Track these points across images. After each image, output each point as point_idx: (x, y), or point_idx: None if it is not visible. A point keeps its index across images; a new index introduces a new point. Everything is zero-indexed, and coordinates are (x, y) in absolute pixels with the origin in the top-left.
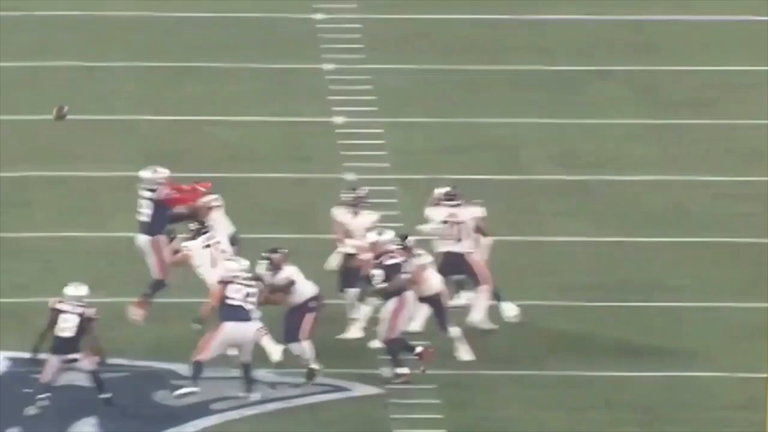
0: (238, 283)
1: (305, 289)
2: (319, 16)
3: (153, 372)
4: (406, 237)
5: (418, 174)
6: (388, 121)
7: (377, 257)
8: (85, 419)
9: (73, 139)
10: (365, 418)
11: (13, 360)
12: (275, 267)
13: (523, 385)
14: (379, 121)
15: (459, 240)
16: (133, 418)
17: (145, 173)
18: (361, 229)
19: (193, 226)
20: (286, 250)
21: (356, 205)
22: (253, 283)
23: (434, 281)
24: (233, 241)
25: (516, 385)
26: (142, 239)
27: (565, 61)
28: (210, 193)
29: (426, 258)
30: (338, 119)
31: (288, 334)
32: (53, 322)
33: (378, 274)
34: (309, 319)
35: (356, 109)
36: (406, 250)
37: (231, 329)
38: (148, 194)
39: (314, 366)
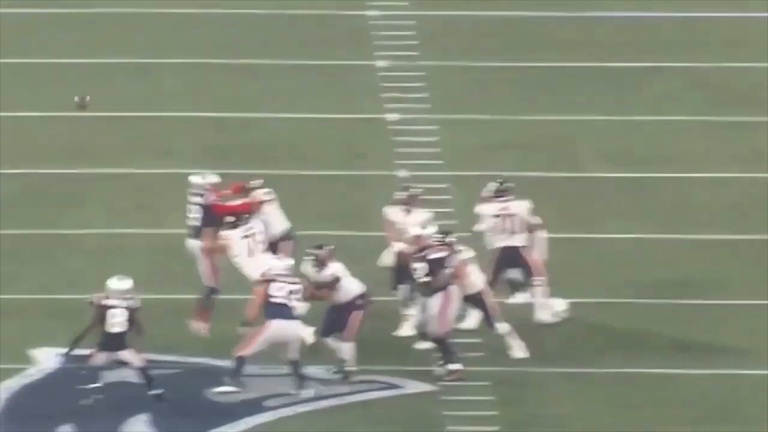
0: (281, 281)
1: (351, 286)
2: (372, 12)
3: (206, 369)
4: (448, 233)
5: (472, 171)
6: (442, 117)
7: (420, 251)
8: (138, 416)
9: (128, 136)
10: (418, 415)
11: (66, 356)
12: (321, 263)
13: (576, 383)
14: (432, 118)
15: (513, 233)
16: (185, 415)
17: (194, 178)
18: (415, 228)
19: (230, 218)
20: (332, 247)
21: (409, 203)
22: (296, 279)
23: (476, 279)
24: (288, 236)
25: (569, 383)
26: (193, 244)
27: (620, 58)
28: (261, 187)
29: (468, 253)
30: (392, 116)
31: (326, 329)
32: (101, 318)
33: (421, 267)
34: (356, 317)
35: (410, 106)
36: (448, 245)
37: (276, 327)
38: (197, 199)
39: (352, 368)
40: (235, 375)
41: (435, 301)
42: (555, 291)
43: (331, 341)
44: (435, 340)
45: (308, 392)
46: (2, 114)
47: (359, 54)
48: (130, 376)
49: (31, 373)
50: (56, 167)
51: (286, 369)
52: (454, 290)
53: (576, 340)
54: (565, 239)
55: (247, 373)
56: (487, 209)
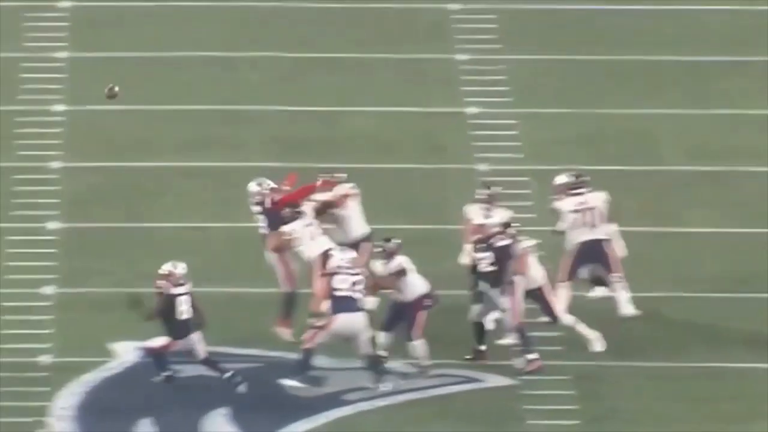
0: (344, 273)
1: (417, 284)
2: (454, 6)
3: (286, 363)
4: (510, 224)
5: (552, 165)
6: (522, 111)
7: (486, 239)
8: (218, 410)
9: (208, 130)
10: (497, 409)
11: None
12: (388, 256)
13: (655, 377)
14: (512, 112)
15: (593, 226)
16: (265, 409)
17: (252, 186)
18: (478, 217)
19: (288, 211)
20: (399, 241)
21: (490, 203)
22: (358, 270)
23: (537, 273)
24: (368, 238)
25: (647, 377)
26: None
27: (700, 52)
28: (345, 182)
29: (529, 242)
30: (472, 110)
31: (388, 325)
32: (170, 307)
33: (487, 256)
34: (422, 316)
35: (490, 100)
36: (511, 235)
37: (342, 321)
38: (257, 208)
39: (428, 363)
40: (302, 368)
41: (504, 295)
42: (633, 285)
43: (386, 337)
44: (512, 330)
45: (386, 386)
46: (83, 108)
47: (440, 48)
48: (210, 370)
49: (111, 367)
50: (136, 161)
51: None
52: (519, 280)
53: (655, 335)
54: (643, 233)
55: (326, 366)
56: (565, 205)
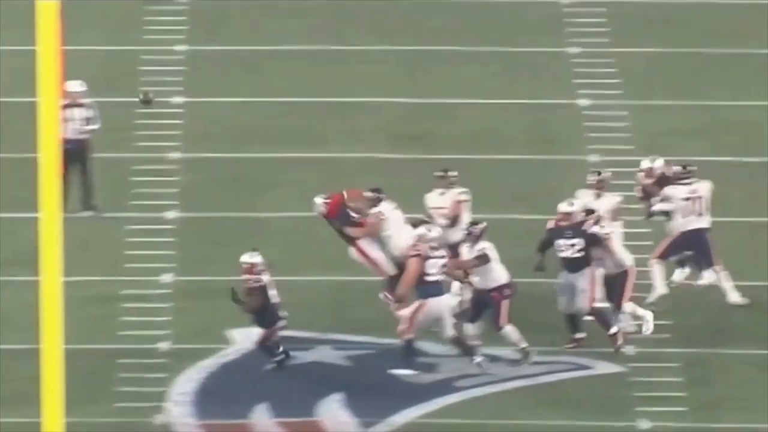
0: (435, 257)
1: (499, 272)
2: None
3: (398, 349)
4: (593, 211)
5: (662, 156)
6: (633, 103)
7: (573, 226)
8: (332, 396)
9: (323, 121)
10: (607, 396)
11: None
12: (474, 239)
13: (764, 365)
14: (623, 104)
15: (699, 215)
16: (377, 395)
17: (317, 201)
18: (605, 212)
19: (369, 193)
20: (485, 224)
21: (600, 188)
22: (444, 253)
23: (625, 257)
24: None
25: (757, 365)
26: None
27: None
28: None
29: (613, 228)
30: (583, 102)
31: (474, 315)
32: (266, 297)
33: (576, 242)
34: (505, 305)
35: (601, 92)
36: (596, 221)
37: (433, 305)
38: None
39: (524, 345)
40: (407, 357)
41: (583, 278)
42: (744, 274)
43: (473, 328)
44: (589, 313)
45: (478, 358)
46: (201, 100)
47: (552, 41)
48: (325, 356)
49: (228, 353)
50: (252, 152)
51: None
52: (601, 264)
53: (763, 323)
54: (754, 223)
55: (437, 353)
56: (677, 192)
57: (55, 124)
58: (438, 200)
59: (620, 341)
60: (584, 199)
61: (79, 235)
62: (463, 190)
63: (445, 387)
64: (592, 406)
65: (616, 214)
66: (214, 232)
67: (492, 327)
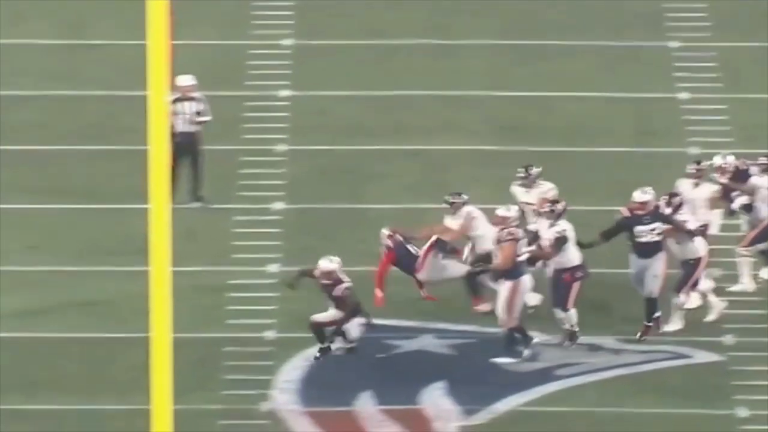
0: (522, 237)
1: (574, 253)
2: None
3: (499, 338)
4: (676, 195)
5: (762, 149)
6: (732, 96)
7: (652, 211)
8: (435, 384)
9: (428, 114)
10: (706, 385)
11: (366, 326)
12: (555, 217)
13: None
14: (723, 97)
15: None
16: (479, 383)
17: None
18: (702, 201)
19: (452, 197)
20: (565, 203)
21: (699, 177)
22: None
23: (700, 245)
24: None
25: None
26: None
27: None
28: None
29: (711, 217)
30: (683, 95)
31: (558, 299)
32: (354, 300)
33: (656, 227)
34: (575, 288)
35: (701, 86)
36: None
37: (525, 283)
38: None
39: (576, 329)
40: (509, 346)
41: (657, 263)
42: None
43: (559, 312)
44: (650, 299)
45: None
46: (307, 93)
47: (652, 35)
48: (427, 345)
49: (333, 342)
50: (357, 144)
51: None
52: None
53: None
54: None
55: (538, 342)
56: (762, 182)
57: (164, 117)
58: (525, 196)
59: (646, 332)
60: (683, 187)
61: (187, 225)
62: (549, 186)
63: (546, 375)
64: (691, 395)
65: (714, 202)
66: (320, 223)
67: (556, 305)
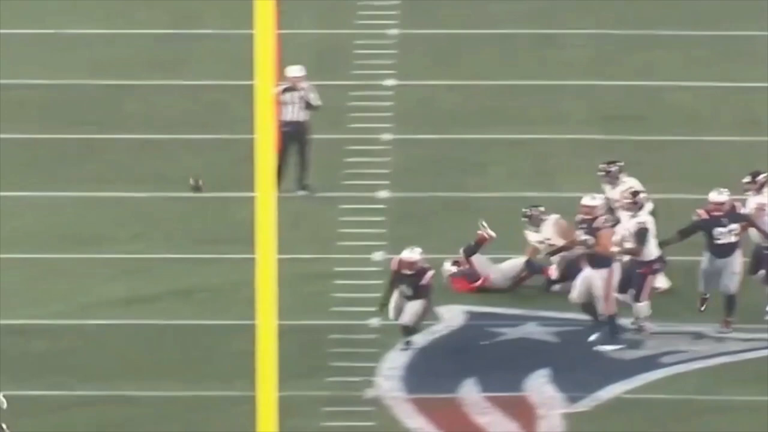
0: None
1: (652, 247)
2: None
3: (603, 326)
4: (758, 173)
5: None
6: None
7: (729, 212)
8: (539, 371)
9: (531, 103)
10: None
11: (470, 313)
12: (637, 209)
13: None
14: None
15: None
16: (584, 370)
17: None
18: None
19: (530, 211)
20: (645, 195)
21: None
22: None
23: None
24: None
25: None
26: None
27: None
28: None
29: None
30: None
31: (623, 285)
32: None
33: (734, 227)
34: (650, 281)
35: None
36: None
37: (617, 268)
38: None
39: (645, 324)
40: (612, 333)
41: (736, 261)
42: None
43: (625, 297)
44: (730, 296)
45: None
46: (412, 82)
47: (756, 25)
48: (531, 332)
49: (437, 330)
50: (461, 133)
51: (683, 326)
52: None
53: None
54: None
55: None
56: None
57: (270, 106)
58: (611, 192)
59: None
60: None
61: (293, 213)
62: (632, 183)
63: (650, 363)
64: None
65: None
66: (424, 212)
67: (632, 297)
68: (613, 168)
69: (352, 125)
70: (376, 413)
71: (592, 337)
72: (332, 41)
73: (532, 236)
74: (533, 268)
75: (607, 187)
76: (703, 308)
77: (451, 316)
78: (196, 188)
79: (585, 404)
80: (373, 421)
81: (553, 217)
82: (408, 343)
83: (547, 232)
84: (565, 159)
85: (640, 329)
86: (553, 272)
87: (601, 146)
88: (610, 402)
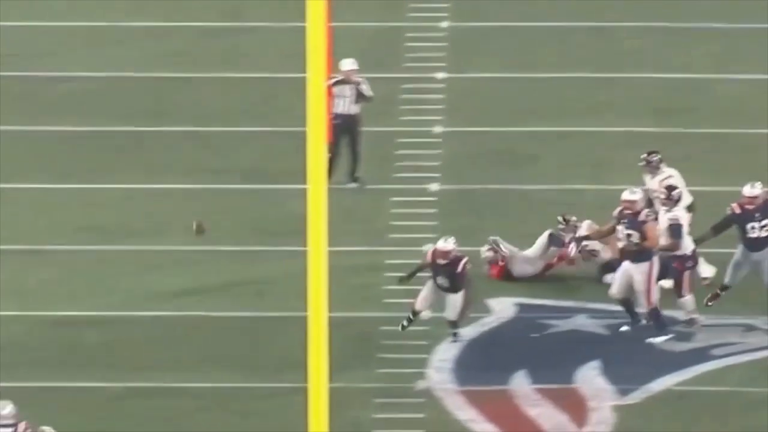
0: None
1: (686, 242)
2: None
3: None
4: None
5: None
6: None
7: (762, 206)
8: (590, 363)
9: (584, 95)
10: None
11: (521, 305)
12: (672, 204)
13: None
14: None
15: None
16: (635, 363)
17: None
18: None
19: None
20: (680, 190)
21: None
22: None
23: None
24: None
25: None
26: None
27: None
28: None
29: None
30: None
31: (660, 275)
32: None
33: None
34: (687, 276)
35: None
36: None
37: (657, 261)
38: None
39: (695, 317)
40: (658, 324)
41: None
42: None
43: (667, 283)
44: None
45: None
46: (464, 75)
47: None
48: (582, 325)
49: (488, 322)
50: (513, 125)
51: (734, 318)
52: None
53: None
54: None
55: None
56: None
57: (322, 99)
58: (650, 183)
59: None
60: None
61: (345, 206)
62: (669, 173)
63: (701, 355)
64: None
65: None
66: (476, 204)
67: (674, 292)
68: (654, 158)
69: (404, 118)
70: (426, 405)
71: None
72: (384, 34)
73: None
74: (556, 242)
75: (647, 177)
76: (710, 303)
77: (502, 308)
78: (199, 231)
79: (635, 396)
80: (424, 413)
81: (586, 222)
82: (455, 335)
83: (585, 231)
84: (616, 151)
85: (690, 322)
86: (573, 250)
87: (652, 138)
88: (660, 394)
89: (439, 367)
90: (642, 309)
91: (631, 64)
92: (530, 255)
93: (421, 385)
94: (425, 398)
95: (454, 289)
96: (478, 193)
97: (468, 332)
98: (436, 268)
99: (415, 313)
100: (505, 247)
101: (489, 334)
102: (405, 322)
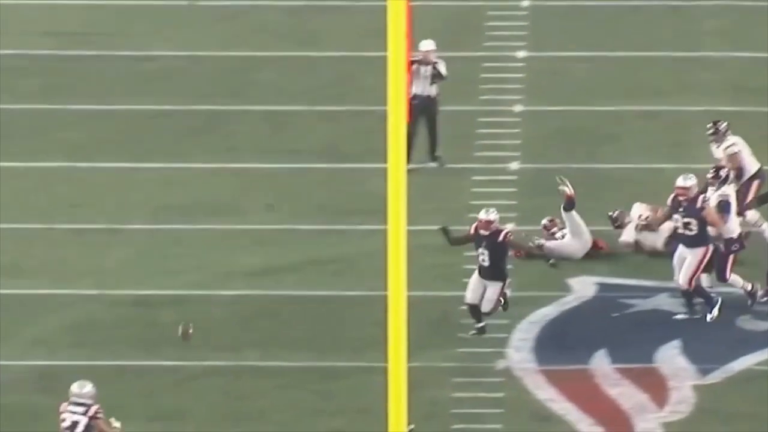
0: None
1: (733, 224)
2: None
3: (737, 297)
4: None
5: None
6: None
7: None
8: (670, 343)
9: (662, 75)
10: None
11: (601, 285)
12: (722, 182)
13: None
14: None
15: None
16: (715, 342)
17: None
18: None
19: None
20: (728, 169)
21: None
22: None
23: None
24: (758, 175)
25: None
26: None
27: None
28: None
29: None
30: None
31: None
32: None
33: None
34: (729, 260)
35: None
36: None
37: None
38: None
39: (748, 288)
40: (709, 304)
41: None
42: None
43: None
44: None
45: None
46: (544, 54)
47: None
48: (663, 303)
49: (568, 301)
50: (593, 105)
51: None
52: None
53: None
54: None
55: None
56: None
57: (402, 78)
58: (716, 152)
59: None
60: None
61: (424, 185)
62: (732, 142)
63: None
64: None
65: None
66: (555, 184)
67: (717, 276)
68: (722, 125)
69: (484, 97)
70: (505, 384)
71: (708, 316)
72: (464, 13)
73: (628, 230)
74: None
75: (713, 146)
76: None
77: (582, 287)
78: (185, 337)
79: (716, 376)
80: (503, 392)
81: (636, 206)
82: (481, 329)
83: (639, 211)
84: (697, 130)
85: (753, 294)
86: (603, 243)
87: (731, 117)
88: (742, 374)
89: (519, 347)
90: (678, 284)
91: (712, 43)
92: (572, 242)
93: (500, 364)
94: (504, 378)
95: (493, 265)
96: (559, 172)
97: (549, 311)
98: (478, 239)
99: (473, 307)
100: (547, 240)
101: (569, 314)
102: (475, 327)
